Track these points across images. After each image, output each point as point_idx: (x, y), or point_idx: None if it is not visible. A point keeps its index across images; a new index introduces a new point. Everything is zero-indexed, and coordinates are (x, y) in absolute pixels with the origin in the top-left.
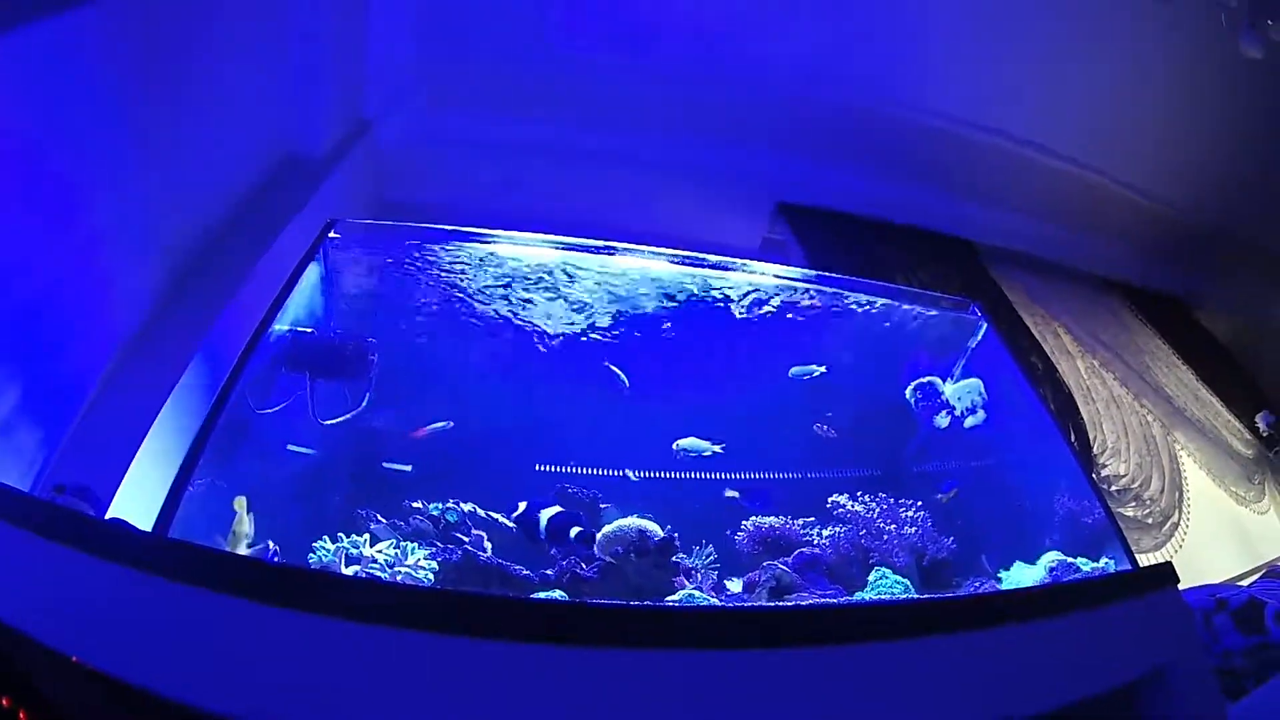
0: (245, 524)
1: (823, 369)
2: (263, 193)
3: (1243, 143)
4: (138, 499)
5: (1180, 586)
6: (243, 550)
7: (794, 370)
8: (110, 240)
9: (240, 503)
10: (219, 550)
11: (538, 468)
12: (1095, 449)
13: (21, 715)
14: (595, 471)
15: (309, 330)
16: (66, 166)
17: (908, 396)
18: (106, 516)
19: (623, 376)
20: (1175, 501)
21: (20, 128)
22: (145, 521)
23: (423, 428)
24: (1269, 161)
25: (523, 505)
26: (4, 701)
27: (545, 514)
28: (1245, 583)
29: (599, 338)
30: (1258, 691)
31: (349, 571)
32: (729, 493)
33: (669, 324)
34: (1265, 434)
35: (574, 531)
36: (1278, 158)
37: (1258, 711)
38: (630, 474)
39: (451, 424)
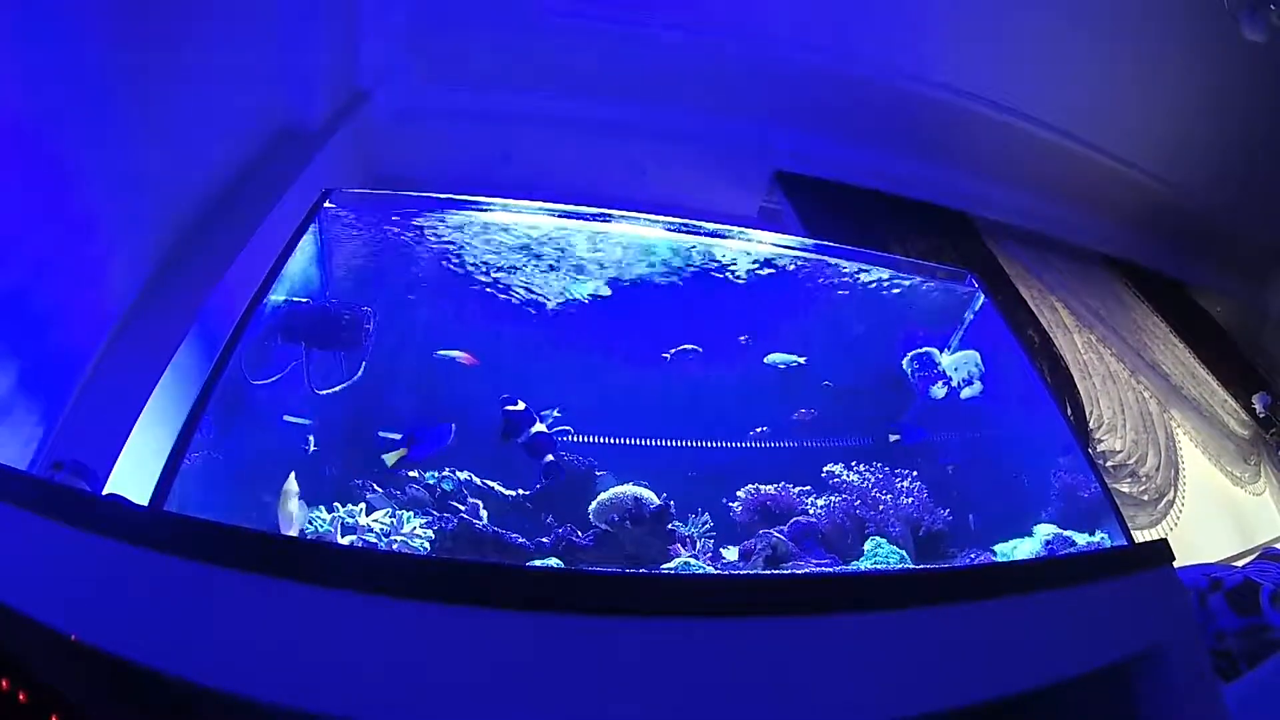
0: (293, 504)
1: (801, 359)
2: (257, 164)
3: (1244, 127)
4: (134, 474)
5: (1175, 565)
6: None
7: (770, 358)
8: (104, 215)
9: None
10: (214, 523)
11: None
12: (1091, 424)
13: (21, 696)
14: (591, 439)
15: (305, 300)
16: (58, 141)
17: (904, 367)
18: (103, 493)
19: (692, 347)
20: (1171, 479)
21: (9, 102)
22: (141, 496)
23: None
24: (1269, 148)
25: (521, 404)
26: (2, 683)
27: (537, 427)
28: (1240, 564)
29: (596, 305)
30: (1252, 673)
31: (345, 541)
32: (892, 437)
33: (666, 292)
34: (1262, 415)
35: (547, 458)
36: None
37: (1252, 693)
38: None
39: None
